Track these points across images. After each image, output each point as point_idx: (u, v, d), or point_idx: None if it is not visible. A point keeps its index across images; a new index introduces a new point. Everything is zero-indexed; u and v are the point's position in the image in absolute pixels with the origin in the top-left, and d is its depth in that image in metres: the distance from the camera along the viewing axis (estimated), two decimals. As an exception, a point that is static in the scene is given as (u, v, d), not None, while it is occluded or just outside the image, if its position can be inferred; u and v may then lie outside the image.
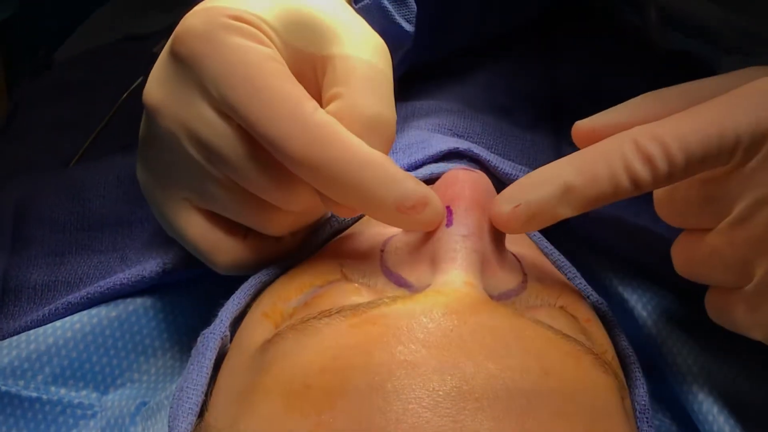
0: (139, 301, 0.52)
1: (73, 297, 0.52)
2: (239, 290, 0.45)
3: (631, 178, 0.39)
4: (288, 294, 0.43)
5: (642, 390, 0.45)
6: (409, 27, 0.55)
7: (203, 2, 0.46)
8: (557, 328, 0.39)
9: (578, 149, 0.59)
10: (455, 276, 0.40)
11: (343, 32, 0.44)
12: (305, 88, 0.44)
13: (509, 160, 0.57)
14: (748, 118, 0.39)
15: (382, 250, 0.43)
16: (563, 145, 0.60)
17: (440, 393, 0.34)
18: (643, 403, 0.44)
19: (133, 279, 0.52)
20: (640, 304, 0.51)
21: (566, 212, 0.40)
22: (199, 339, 0.44)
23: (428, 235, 0.42)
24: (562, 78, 0.66)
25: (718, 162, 0.39)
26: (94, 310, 0.52)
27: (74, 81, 0.84)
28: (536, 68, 0.66)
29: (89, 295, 0.52)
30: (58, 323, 0.51)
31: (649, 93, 0.44)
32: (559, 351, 0.38)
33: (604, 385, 0.38)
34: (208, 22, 0.43)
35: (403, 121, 0.59)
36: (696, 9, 0.99)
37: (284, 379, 0.37)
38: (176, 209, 0.47)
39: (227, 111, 0.42)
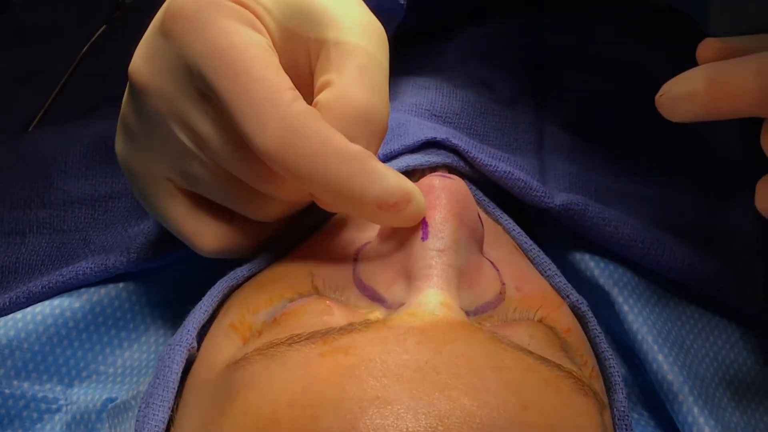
0: (103, 291, 0.50)
1: (35, 285, 0.50)
2: (206, 297, 0.44)
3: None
4: (257, 306, 0.41)
5: (621, 395, 0.44)
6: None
7: None
8: (536, 350, 0.38)
9: (559, 131, 0.57)
10: (430, 296, 0.38)
11: (339, 16, 0.42)
12: (297, 71, 0.42)
13: (488, 141, 0.54)
14: None
15: (355, 260, 0.41)
16: (545, 122, 0.58)
17: None
18: (622, 409, 0.43)
19: (96, 269, 0.50)
20: (621, 297, 0.49)
21: None
22: (164, 350, 0.42)
23: (403, 246, 0.40)
24: (546, 45, 0.64)
25: None
26: (56, 301, 0.50)
27: (34, 26, 0.80)
28: (520, 35, 0.63)
29: (51, 284, 0.50)
30: (18, 315, 0.49)
31: None
32: (538, 379, 0.36)
33: (583, 411, 0.37)
34: (200, 2, 0.41)
35: None
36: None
37: (252, 411, 0.35)
38: (159, 190, 0.45)
39: (210, 95, 0.40)
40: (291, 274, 0.42)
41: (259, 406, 0.35)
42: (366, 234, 0.43)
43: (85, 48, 0.72)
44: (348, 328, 0.37)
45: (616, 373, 0.44)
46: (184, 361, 0.41)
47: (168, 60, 0.41)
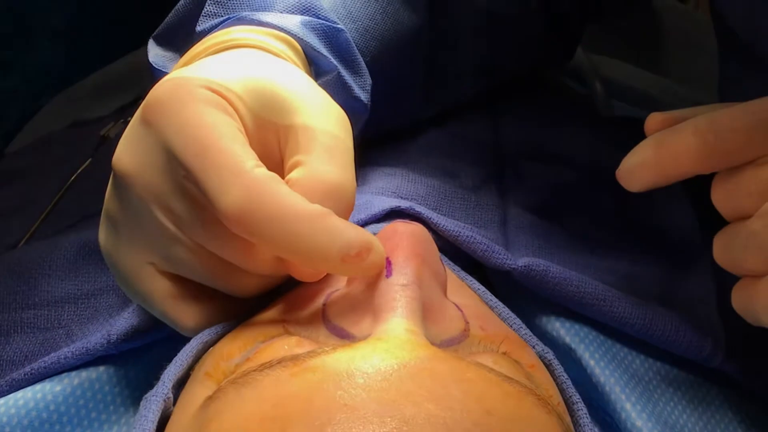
0: (84, 374, 0.51)
1: (17, 374, 0.52)
2: (182, 351, 0.45)
3: None
4: (231, 352, 0.42)
5: None
6: (366, 98, 0.57)
7: (176, 71, 0.47)
8: (499, 371, 0.39)
9: (522, 212, 0.61)
10: (396, 324, 0.40)
11: (305, 104, 0.46)
12: (269, 156, 0.45)
13: (454, 219, 0.57)
14: None
15: (324, 304, 0.43)
16: (509, 205, 0.61)
17: None
18: None
19: (77, 352, 0.51)
20: (587, 353, 0.51)
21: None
22: (141, 403, 0.43)
23: (369, 287, 0.42)
24: (505, 141, 0.68)
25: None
26: (38, 386, 0.51)
27: (22, 169, 0.84)
28: (479, 133, 0.68)
29: (33, 371, 0.51)
30: (1, 401, 0.50)
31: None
32: (500, 391, 0.38)
33: (547, 426, 0.38)
34: (176, 89, 0.44)
35: None
36: (638, 81, 1.03)
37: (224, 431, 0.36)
38: (142, 275, 0.47)
39: (183, 172, 0.43)
40: (263, 323, 0.44)
41: (230, 427, 0.36)
42: (335, 285, 0.45)
43: (72, 178, 0.76)
44: (317, 351, 0.38)
45: (585, 416, 0.45)
46: (160, 411, 0.42)
47: (148, 147, 0.44)
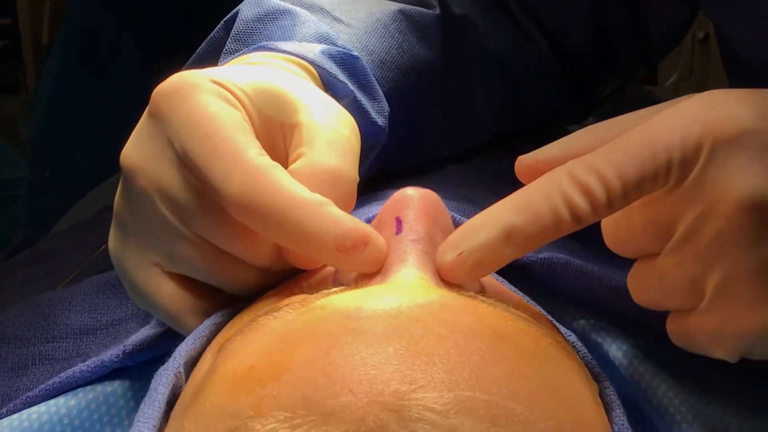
0: (99, 388, 0.50)
1: (32, 392, 0.51)
2: (195, 331, 0.44)
3: (571, 211, 0.39)
4: (241, 323, 0.42)
5: (619, 411, 0.42)
6: (383, 123, 0.57)
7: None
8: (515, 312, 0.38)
9: None
10: (406, 273, 0.39)
11: (311, 103, 0.47)
12: (274, 154, 0.45)
13: None
14: (676, 137, 0.39)
15: (335, 272, 0.43)
16: None
17: (389, 351, 0.33)
18: (621, 423, 0.42)
19: (92, 365, 0.50)
20: (614, 345, 0.49)
21: (512, 254, 0.40)
22: (153, 379, 0.42)
23: None
24: None
25: (656, 184, 0.39)
26: (52, 401, 0.50)
27: (52, 249, 0.85)
28: (499, 165, 0.68)
29: (48, 387, 0.50)
30: (15, 416, 0.49)
31: (582, 129, 0.45)
32: (515, 326, 0.36)
33: (566, 365, 0.37)
34: (182, 82, 0.45)
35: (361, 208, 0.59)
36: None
37: (230, 371, 0.35)
38: (147, 275, 0.47)
39: (186, 161, 0.43)
40: (276, 296, 0.43)
41: (238, 364, 0.35)
42: None
43: (101, 249, 0.76)
44: (326, 293, 0.38)
45: (612, 393, 0.43)
46: (171, 385, 0.41)
47: (154, 139, 0.45)
